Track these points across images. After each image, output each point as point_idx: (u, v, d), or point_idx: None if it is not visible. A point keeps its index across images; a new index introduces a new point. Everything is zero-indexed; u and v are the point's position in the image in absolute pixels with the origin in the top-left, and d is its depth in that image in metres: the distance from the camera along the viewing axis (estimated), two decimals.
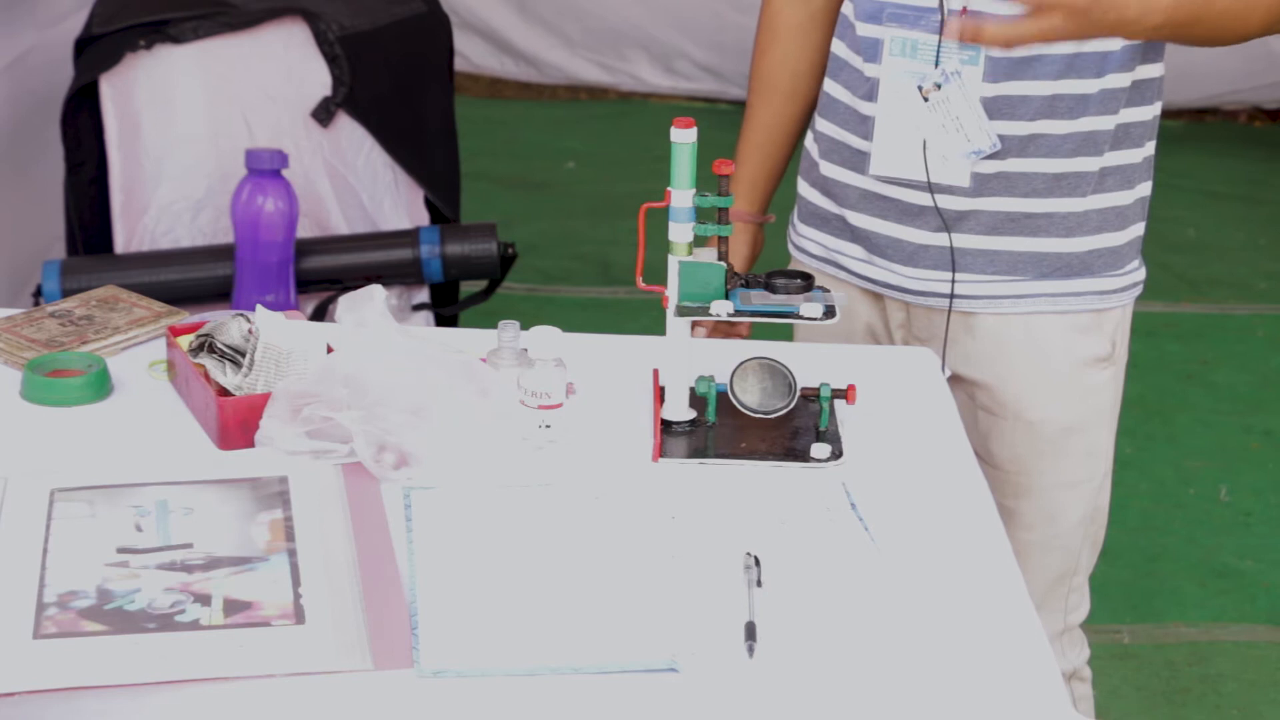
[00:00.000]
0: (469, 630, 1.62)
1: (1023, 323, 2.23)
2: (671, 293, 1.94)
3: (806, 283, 1.94)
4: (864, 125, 2.21)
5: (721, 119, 6.13)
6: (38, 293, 3.14)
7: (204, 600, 1.62)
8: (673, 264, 1.94)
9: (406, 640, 1.59)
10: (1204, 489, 3.95)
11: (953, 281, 2.20)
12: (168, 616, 1.60)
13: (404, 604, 1.64)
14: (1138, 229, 2.26)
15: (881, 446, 1.99)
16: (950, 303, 2.21)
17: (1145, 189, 2.26)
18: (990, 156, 2.14)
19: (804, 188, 2.37)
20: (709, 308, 1.92)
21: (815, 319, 1.92)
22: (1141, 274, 2.29)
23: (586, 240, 5.14)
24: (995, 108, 2.13)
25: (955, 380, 2.25)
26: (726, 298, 1.93)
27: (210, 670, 1.53)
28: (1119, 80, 2.15)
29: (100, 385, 2.05)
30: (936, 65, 2.08)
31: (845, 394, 2.00)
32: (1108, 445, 2.33)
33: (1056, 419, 2.26)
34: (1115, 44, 2.12)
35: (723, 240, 1.94)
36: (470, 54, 6.29)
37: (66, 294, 2.94)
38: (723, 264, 1.93)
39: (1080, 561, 2.37)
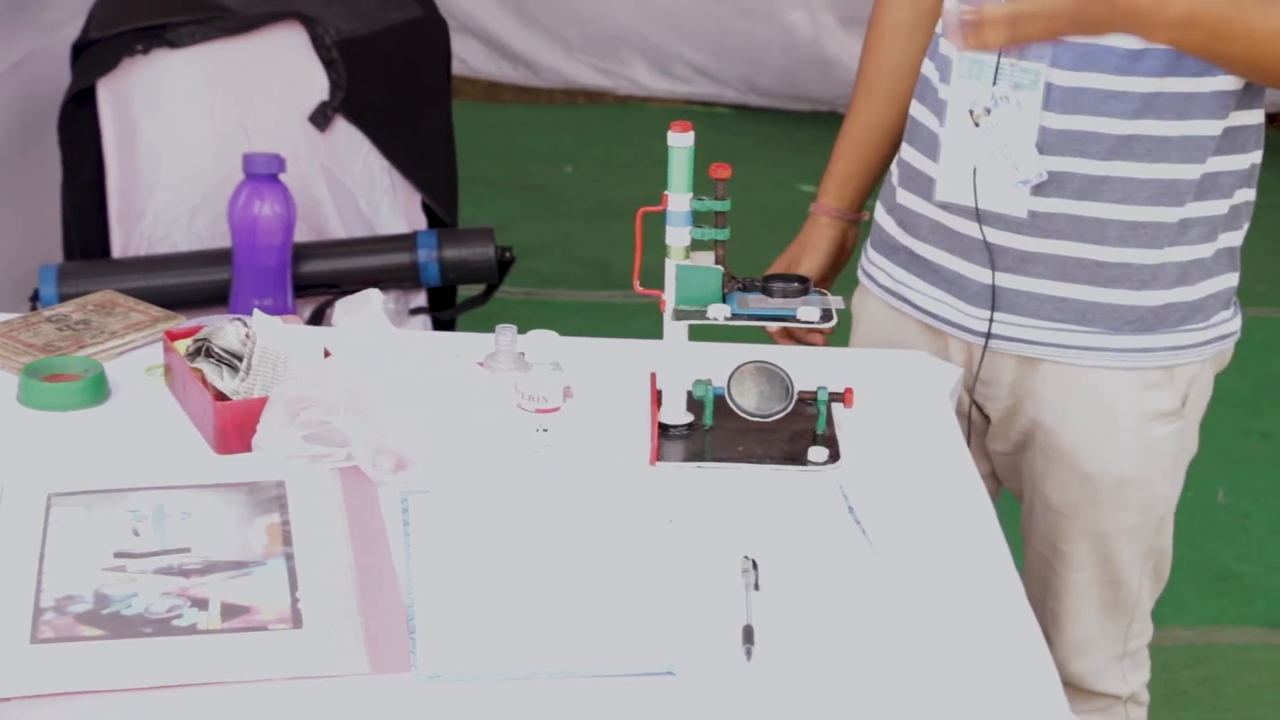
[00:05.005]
0: (466, 634, 1.62)
1: (1087, 374, 2.12)
2: (669, 296, 1.94)
3: (804, 286, 1.94)
4: (936, 149, 2.14)
5: (719, 122, 6.15)
6: (35, 297, 3.15)
7: (201, 605, 1.62)
8: (670, 268, 1.94)
9: (404, 644, 1.59)
10: (1202, 491, 3.93)
11: (990, 320, 2.12)
12: (165, 621, 1.60)
13: (401, 608, 1.64)
14: (1224, 280, 2.14)
15: (879, 450, 1.99)
16: (987, 341, 2.13)
17: (1234, 238, 2.14)
18: (1057, 195, 2.05)
19: (880, 214, 2.28)
20: (706, 311, 1.92)
21: (812, 323, 1.92)
22: (1231, 325, 2.18)
23: (584, 244, 5.13)
24: (1064, 142, 2.03)
25: (1016, 414, 2.19)
26: (724, 301, 1.93)
27: (208, 674, 1.53)
28: (1207, 127, 2.03)
29: (97, 390, 2.05)
30: (994, 84, 2.01)
31: (843, 397, 2.00)
32: (1169, 493, 2.23)
33: (1114, 472, 2.16)
34: (1201, 84, 2.01)
35: (720, 244, 1.94)
36: (468, 58, 6.29)
37: (64, 299, 2.94)
38: (719, 268, 1.93)
39: (1141, 595, 2.27)
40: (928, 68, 2.18)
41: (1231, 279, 2.16)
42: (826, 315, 1.92)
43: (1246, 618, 3.49)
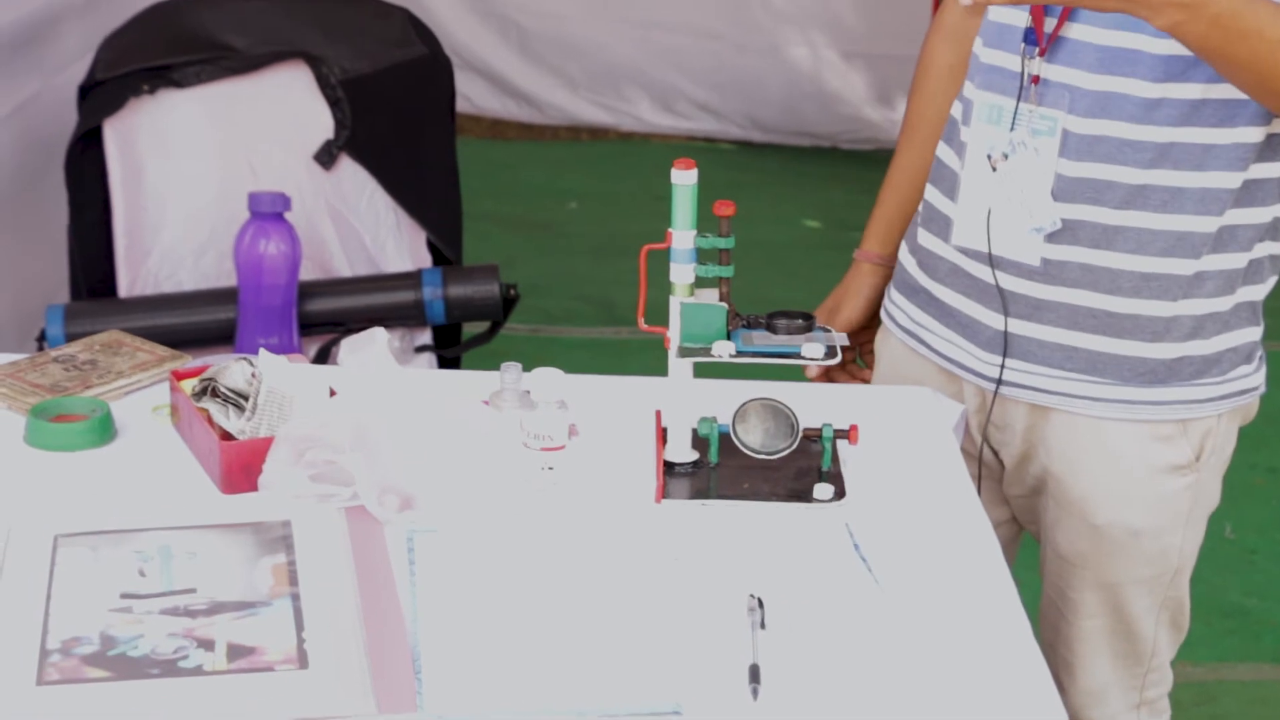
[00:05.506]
0: (473, 673, 1.61)
1: (1097, 425, 2.10)
2: (673, 334, 1.94)
3: (808, 322, 1.94)
4: (957, 191, 2.12)
5: (722, 159, 6.16)
6: (42, 337, 3.15)
7: (207, 645, 1.62)
8: (674, 305, 1.94)
9: (410, 684, 1.58)
10: (1209, 527, 3.92)
11: (1002, 366, 2.11)
12: (171, 662, 1.59)
13: (408, 647, 1.64)
14: (1244, 335, 2.11)
15: (885, 487, 1.98)
16: (998, 387, 2.12)
17: (1255, 292, 2.11)
18: (1070, 243, 2.04)
19: (904, 253, 2.28)
20: (710, 348, 1.92)
21: (816, 360, 1.92)
22: (1252, 380, 2.14)
23: (589, 280, 5.14)
24: (1078, 190, 2.02)
25: (1029, 461, 2.18)
26: (728, 338, 1.93)
27: (214, 716, 1.53)
28: (1225, 179, 2.00)
29: (104, 430, 2.05)
30: (1011, 129, 2.00)
31: (848, 434, 2.00)
32: (1183, 545, 2.18)
33: (1123, 523, 2.13)
34: (1220, 135, 1.98)
35: (724, 281, 1.94)
36: (472, 95, 6.31)
37: (70, 338, 2.94)
38: (724, 305, 1.93)
39: (1158, 645, 2.23)
40: (955, 109, 2.18)
41: (1253, 333, 2.13)
42: (831, 352, 1.92)
43: (1255, 654, 3.47)
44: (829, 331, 1.96)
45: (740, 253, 1.96)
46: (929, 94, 2.32)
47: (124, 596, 1.70)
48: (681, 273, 1.93)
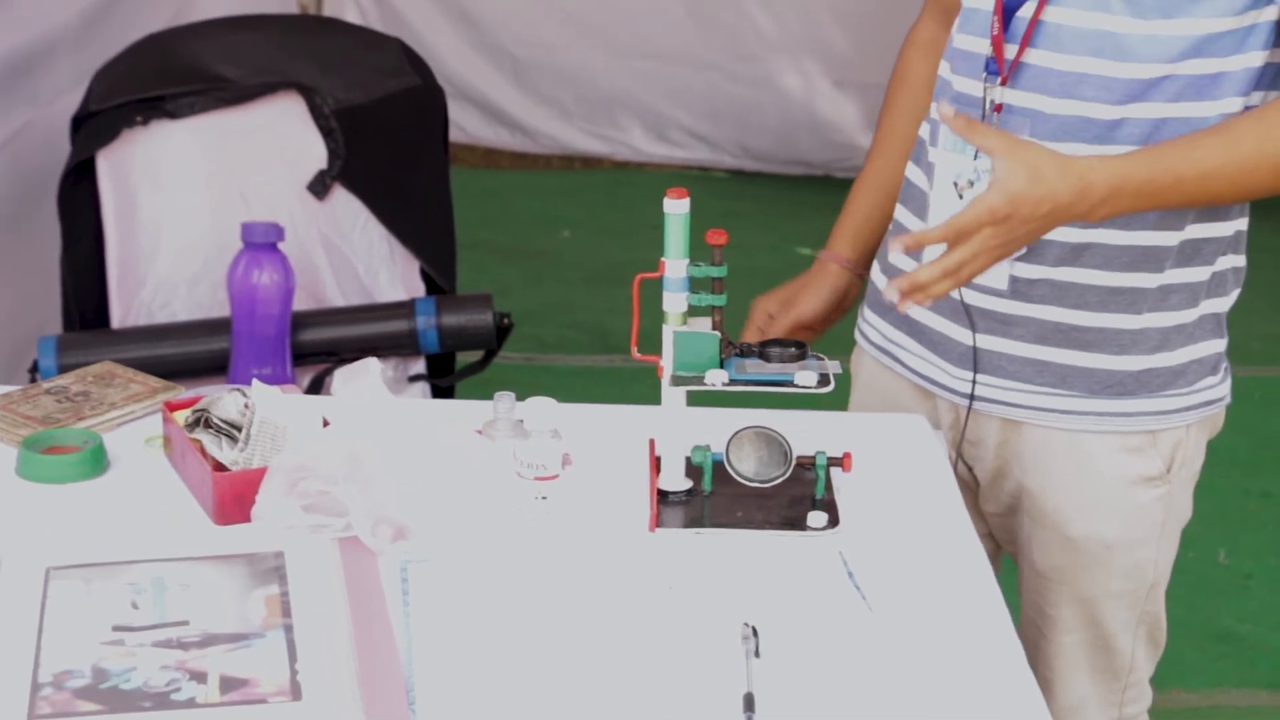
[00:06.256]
0: (467, 705, 1.61)
1: (1069, 438, 2.13)
2: (666, 362, 1.94)
3: (800, 351, 1.94)
4: (925, 211, 2.13)
5: (715, 187, 6.16)
6: (34, 368, 3.14)
7: (200, 678, 1.61)
8: (667, 334, 1.94)
9: (404, 715, 1.58)
10: (1203, 552, 3.93)
11: (974, 381, 2.13)
12: (164, 695, 1.59)
13: (401, 679, 1.63)
14: (1209, 347, 2.13)
15: (878, 514, 1.98)
16: (970, 403, 2.14)
17: (1218, 305, 2.13)
18: (1038, 262, 2.06)
19: (875, 272, 2.30)
20: (704, 377, 1.92)
21: (809, 388, 1.92)
22: (1218, 391, 2.16)
23: (583, 308, 5.14)
24: None
25: (1004, 477, 2.20)
26: (721, 367, 1.92)
27: None
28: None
29: (96, 462, 2.04)
30: (975, 158, 2.00)
31: (841, 462, 2.00)
32: (1158, 558, 2.20)
33: (1098, 536, 2.15)
34: None
35: (717, 309, 1.94)
36: (465, 124, 6.31)
37: (63, 370, 2.94)
38: (717, 333, 1.93)
39: (1135, 660, 2.24)
40: (923, 129, 2.20)
41: (1218, 345, 2.15)
42: (824, 380, 1.92)
43: (1249, 680, 3.47)
44: (822, 359, 1.96)
45: (733, 281, 1.96)
46: (903, 107, 2.33)
47: (116, 629, 1.69)
48: (675, 301, 1.93)
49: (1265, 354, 4.90)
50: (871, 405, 2.29)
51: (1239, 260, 2.14)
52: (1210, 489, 4.26)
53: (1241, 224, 2.12)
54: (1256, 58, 1.98)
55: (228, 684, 1.60)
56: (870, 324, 2.30)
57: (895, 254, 1.93)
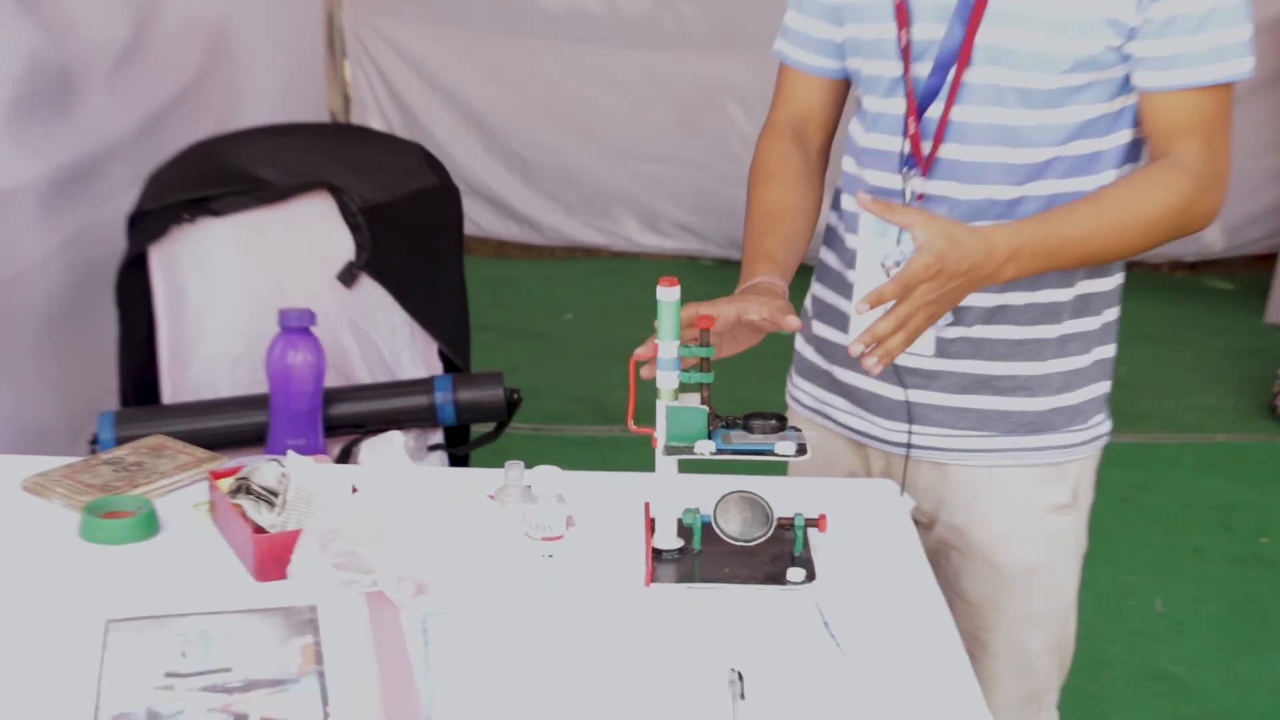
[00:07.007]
0: None
1: (990, 474, 2.19)
2: (660, 434, 1.94)
3: (780, 423, 1.94)
4: (849, 291, 2.17)
5: (703, 273, 6.18)
6: (94, 440, 3.14)
7: (242, 719, 1.61)
8: (660, 408, 1.94)
9: None
10: (1141, 601, 3.94)
11: (909, 432, 2.19)
12: None
13: (423, 718, 1.63)
14: (1100, 388, 2.22)
15: (851, 569, 1.98)
16: (908, 451, 2.19)
17: (1106, 351, 2.22)
18: (958, 324, 2.13)
19: (800, 344, 2.35)
20: (693, 447, 1.92)
21: (789, 456, 1.92)
22: (1105, 427, 2.25)
23: (584, 384, 5.14)
24: None
25: (929, 522, 2.23)
26: (709, 438, 1.93)
27: None
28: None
29: (149, 525, 2.05)
30: (898, 243, 2.02)
31: (817, 523, 2.00)
32: (1070, 582, 2.27)
33: (1020, 561, 2.21)
34: None
35: (705, 386, 1.95)
36: (478, 219, 6.34)
37: (120, 442, 2.94)
38: (705, 408, 1.93)
39: (1049, 681, 2.32)
40: (833, 219, 2.26)
41: (1105, 386, 2.24)
42: (801, 449, 1.93)
43: (1184, 715, 3.46)
44: (799, 430, 1.96)
45: (725, 362, 1.97)
46: (779, 189, 2.22)
47: (168, 675, 1.69)
48: (667, 379, 1.94)
49: (1195, 423, 4.90)
50: (809, 460, 2.26)
51: (1117, 312, 2.22)
52: (1147, 544, 4.30)
53: (1120, 279, 2.20)
54: (1125, 135, 2.07)
55: None
56: (800, 389, 2.36)
57: (858, 312, 1.92)
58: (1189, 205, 2.00)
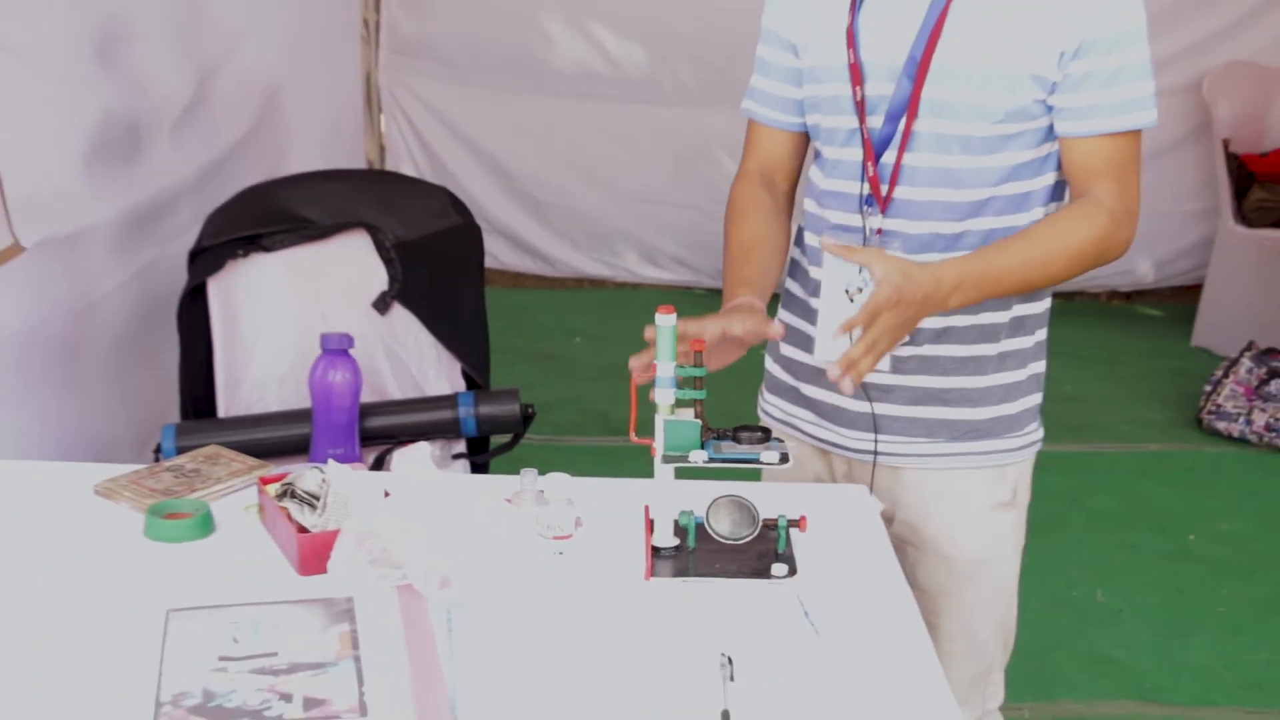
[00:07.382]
0: (500, 718, 1.59)
1: (940, 476, 2.20)
2: (658, 445, 1.94)
3: (765, 435, 1.94)
4: (813, 316, 2.16)
5: (697, 301, 6.17)
6: (157, 450, 3.13)
7: (287, 698, 1.60)
8: (658, 422, 1.94)
9: None
10: (1084, 591, 3.92)
11: (875, 440, 2.19)
12: (258, 712, 1.58)
13: (447, 699, 1.62)
14: (1034, 399, 2.23)
15: (827, 565, 1.97)
16: (875, 458, 2.19)
17: (1039, 367, 2.23)
18: (911, 343, 2.14)
19: (769, 363, 2.36)
20: (688, 456, 1.91)
21: (772, 464, 1.92)
22: (1038, 434, 2.25)
23: (591, 400, 5.13)
24: None
25: (888, 520, 2.22)
26: (702, 448, 1.92)
27: None
28: None
29: (205, 525, 2.04)
30: (860, 272, 2.01)
31: (798, 523, 1.99)
32: (1013, 572, 2.29)
33: (968, 554, 2.22)
34: None
35: (699, 402, 1.94)
36: (498, 253, 6.33)
37: (180, 451, 2.93)
38: (698, 421, 1.92)
39: (995, 661, 2.33)
40: (796, 253, 2.27)
41: (1038, 398, 2.25)
42: (784, 458, 1.92)
43: (1123, 693, 3.45)
44: (781, 442, 1.96)
45: (711, 378, 1.96)
46: (752, 226, 2.19)
47: (221, 659, 1.68)
48: (664, 396, 1.93)
49: (1130, 434, 4.90)
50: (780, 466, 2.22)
51: (1045, 332, 2.24)
52: (1090, 541, 4.29)
53: (1049, 302, 2.21)
54: (1051, 177, 2.10)
55: (309, 703, 1.59)
56: (771, 403, 2.36)
57: (836, 337, 1.95)
58: (1106, 238, 2.03)
